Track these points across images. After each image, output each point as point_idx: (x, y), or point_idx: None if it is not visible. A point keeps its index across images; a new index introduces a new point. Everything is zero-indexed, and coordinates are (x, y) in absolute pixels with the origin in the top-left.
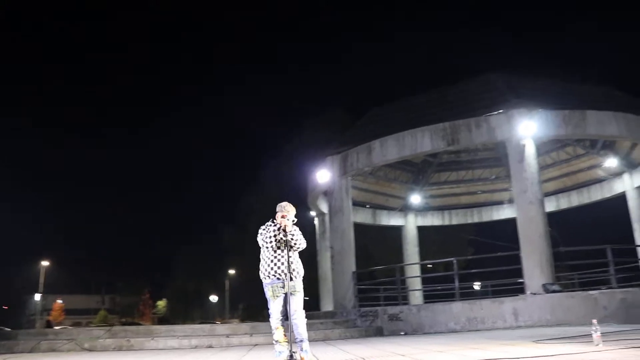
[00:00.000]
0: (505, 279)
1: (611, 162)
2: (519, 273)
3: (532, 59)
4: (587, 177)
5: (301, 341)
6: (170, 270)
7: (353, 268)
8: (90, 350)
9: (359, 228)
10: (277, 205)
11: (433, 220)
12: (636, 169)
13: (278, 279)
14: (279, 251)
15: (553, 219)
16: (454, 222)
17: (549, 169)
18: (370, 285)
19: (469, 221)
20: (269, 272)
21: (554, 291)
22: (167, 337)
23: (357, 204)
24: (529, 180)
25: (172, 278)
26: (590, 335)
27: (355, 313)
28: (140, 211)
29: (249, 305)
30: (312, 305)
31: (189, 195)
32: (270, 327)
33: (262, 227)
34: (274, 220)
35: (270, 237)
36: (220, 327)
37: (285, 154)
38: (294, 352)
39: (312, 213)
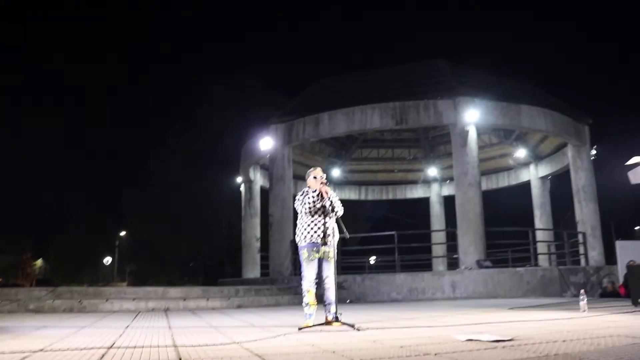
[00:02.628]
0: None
1: (520, 152)
2: (428, 250)
3: (464, 49)
4: (498, 164)
5: (329, 304)
6: (61, 228)
7: (291, 236)
8: (37, 311)
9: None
10: (309, 171)
11: (350, 194)
12: (541, 161)
13: (314, 243)
14: (316, 216)
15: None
16: (370, 197)
17: None
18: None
19: (384, 198)
20: (305, 236)
21: (487, 267)
22: (122, 299)
23: None
24: (469, 163)
25: (62, 236)
26: (546, 305)
27: (297, 280)
28: (29, 163)
29: (138, 270)
30: (235, 272)
31: (89, 151)
32: (302, 290)
33: (299, 193)
34: (310, 187)
35: (309, 202)
36: (173, 290)
37: (197, 119)
38: (340, 314)
39: (239, 179)
